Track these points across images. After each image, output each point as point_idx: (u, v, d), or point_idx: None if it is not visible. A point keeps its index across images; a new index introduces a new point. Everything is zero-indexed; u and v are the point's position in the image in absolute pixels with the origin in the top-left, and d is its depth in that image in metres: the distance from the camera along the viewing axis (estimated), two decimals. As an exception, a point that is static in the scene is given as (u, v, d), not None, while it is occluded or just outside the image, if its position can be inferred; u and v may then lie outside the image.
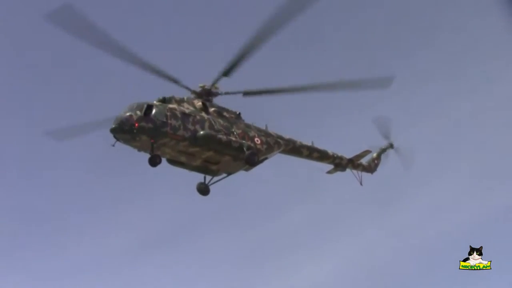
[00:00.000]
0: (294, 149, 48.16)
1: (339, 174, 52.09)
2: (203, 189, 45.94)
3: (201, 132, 42.53)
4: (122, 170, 63.67)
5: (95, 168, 67.75)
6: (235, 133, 44.14)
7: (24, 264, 68.35)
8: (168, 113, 41.85)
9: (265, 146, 45.46)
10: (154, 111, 41.45)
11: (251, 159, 43.78)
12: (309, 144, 48.92)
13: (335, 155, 50.68)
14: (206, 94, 45.00)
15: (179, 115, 42.33)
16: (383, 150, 54.58)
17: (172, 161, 44.30)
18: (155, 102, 42.41)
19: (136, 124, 40.59)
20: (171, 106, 42.53)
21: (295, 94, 45.43)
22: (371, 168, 53.32)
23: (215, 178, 45.90)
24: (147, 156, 42.43)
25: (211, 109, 44.70)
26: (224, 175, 45.90)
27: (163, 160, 43.79)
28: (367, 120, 55.01)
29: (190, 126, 42.39)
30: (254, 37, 40.74)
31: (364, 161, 52.74)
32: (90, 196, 74.15)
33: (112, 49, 40.53)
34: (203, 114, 43.99)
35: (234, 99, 45.60)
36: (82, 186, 72.01)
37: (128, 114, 40.90)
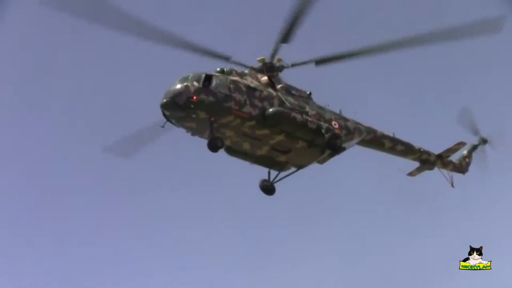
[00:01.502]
0: (375, 139, 39.70)
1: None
2: (268, 188, 37.72)
3: (272, 109, 34.48)
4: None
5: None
6: (309, 113, 36.16)
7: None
8: (232, 86, 33.94)
9: (344, 132, 37.15)
10: (214, 82, 33.58)
11: (334, 143, 35.53)
12: (391, 135, 40.79)
13: (421, 150, 41.94)
14: (269, 70, 36.88)
15: (244, 88, 34.42)
16: (474, 147, 45.75)
17: (231, 150, 36.24)
18: (213, 73, 34.62)
19: (195, 97, 32.72)
20: (233, 78, 34.66)
21: (376, 55, 36.22)
22: (462, 167, 44.48)
23: (282, 174, 37.87)
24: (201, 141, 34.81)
25: (279, 86, 36.78)
26: (293, 169, 37.82)
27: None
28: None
29: (257, 103, 34.38)
30: None
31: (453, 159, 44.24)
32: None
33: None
34: (270, 90, 35.98)
35: (303, 72, 37.71)
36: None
37: (183, 85, 33.02)
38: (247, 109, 34.01)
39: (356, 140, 38.19)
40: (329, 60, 36.55)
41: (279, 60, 36.90)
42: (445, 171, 43.67)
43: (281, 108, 34.94)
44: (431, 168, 43.16)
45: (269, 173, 37.73)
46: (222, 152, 36.03)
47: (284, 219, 56.10)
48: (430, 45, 35.97)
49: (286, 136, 35.13)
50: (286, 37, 34.98)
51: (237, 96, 33.86)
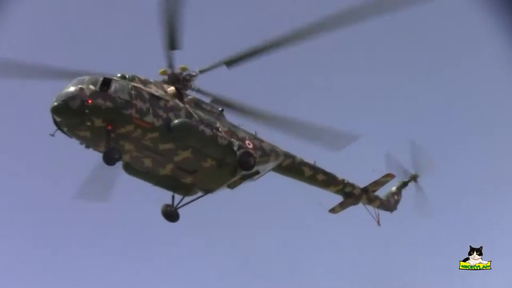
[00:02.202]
0: (294, 166, 35.65)
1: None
2: (171, 214, 33.38)
3: (178, 120, 30.39)
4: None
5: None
6: (220, 129, 32.19)
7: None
8: (133, 92, 29.77)
9: (259, 153, 33.08)
10: (113, 86, 29.43)
11: (246, 161, 31.44)
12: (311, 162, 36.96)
13: (345, 181, 37.89)
14: (175, 81, 32.72)
15: (146, 96, 30.24)
16: (404, 184, 41.98)
17: (130, 168, 31.96)
18: (113, 77, 30.31)
19: (90, 101, 28.51)
20: (135, 84, 30.46)
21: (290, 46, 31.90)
22: (390, 204, 40.52)
23: (187, 198, 33.56)
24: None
25: (187, 98, 32.72)
26: (200, 193, 33.67)
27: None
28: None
29: (161, 113, 30.27)
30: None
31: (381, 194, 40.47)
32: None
33: None
34: (177, 101, 31.89)
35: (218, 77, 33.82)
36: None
37: (77, 87, 28.73)
38: (150, 118, 29.82)
39: (272, 164, 34.21)
40: (239, 59, 32.32)
41: (184, 69, 32.81)
42: (371, 208, 39.89)
43: (188, 120, 30.92)
44: (355, 203, 39.32)
45: (173, 197, 33.45)
46: (120, 171, 32.17)
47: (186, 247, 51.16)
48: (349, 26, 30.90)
49: (193, 152, 30.99)
50: (172, 43, 31.04)
51: (138, 103, 29.69)
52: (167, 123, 30.23)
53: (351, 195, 38.54)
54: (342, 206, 39.37)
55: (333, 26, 30.63)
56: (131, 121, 29.38)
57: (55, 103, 28.56)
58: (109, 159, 29.20)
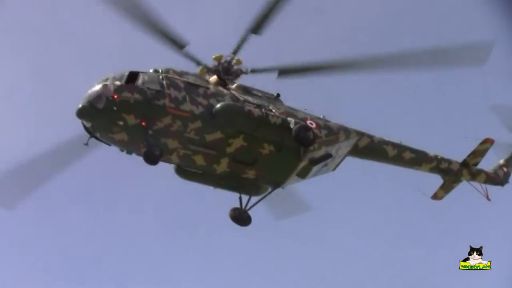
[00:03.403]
0: (374, 146, 31.39)
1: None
2: (241, 217, 29.87)
3: (220, 104, 27.33)
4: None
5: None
6: (273, 110, 28.74)
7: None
8: (165, 81, 27.03)
9: (324, 132, 29.36)
10: (141, 78, 26.78)
11: (304, 136, 27.71)
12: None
13: (439, 157, 33.22)
14: (224, 72, 30.00)
15: (181, 84, 27.41)
16: None
17: (183, 171, 29.00)
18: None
19: (116, 96, 25.95)
20: (167, 75, 27.71)
21: (352, 73, 30.21)
22: (499, 178, 35.29)
23: (255, 198, 29.97)
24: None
25: (233, 86, 29.67)
26: (269, 189, 30.10)
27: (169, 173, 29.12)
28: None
29: (201, 100, 27.31)
30: None
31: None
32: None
33: None
34: (221, 88, 28.96)
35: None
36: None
37: (101, 85, 26.23)
38: (187, 106, 26.86)
39: (345, 144, 30.25)
40: (295, 71, 29.80)
41: (239, 62, 30.00)
42: (476, 185, 34.92)
43: (231, 102, 27.82)
44: (457, 182, 34.45)
45: (240, 199, 29.94)
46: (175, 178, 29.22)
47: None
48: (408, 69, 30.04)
49: (245, 138, 27.67)
50: (258, 26, 28.45)
51: (172, 92, 26.86)
52: (209, 110, 27.21)
53: (448, 172, 33.69)
54: (444, 188, 34.59)
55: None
56: (166, 112, 26.51)
57: (80, 106, 26.07)
58: (150, 157, 26.31)
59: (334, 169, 31.24)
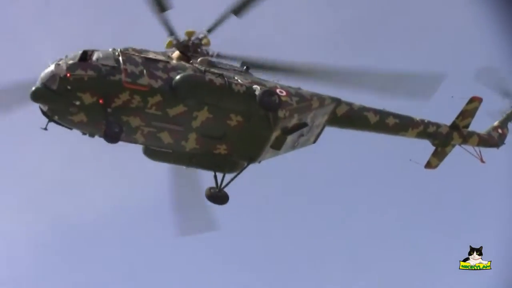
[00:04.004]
0: (353, 113, 30.12)
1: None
2: (217, 196, 28.75)
3: (179, 75, 26.12)
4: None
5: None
6: (238, 80, 27.45)
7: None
8: (121, 57, 25.93)
9: (295, 99, 27.92)
10: (96, 55, 25.77)
11: (267, 100, 26.45)
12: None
13: (425, 121, 31.76)
14: (191, 49, 28.69)
15: (139, 60, 26.24)
16: (509, 116, 35.12)
17: (150, 151, 27.86)
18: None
19: (68, 75, 24.90)
20: (124, 51, 26.54)
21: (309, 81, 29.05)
22: (493, 139, 33.60)
23: (230, 176, 28.81)
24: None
25: (198, 60, 28.29)
26: (244, 164, 28.80)
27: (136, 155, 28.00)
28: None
29: (160, 74, 26.13)
30: None
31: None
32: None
33: None
34: (182, 62, 27.74)
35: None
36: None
37: (54, 65, 25.21)
38: (145, 80, 25.70)
39: (321, 112, 28.81)
40: (260, 66, 28.85)
41: (190, 33, 28.67)
42: (469, 148, 33.25)
43: (191, 73, 26.65)
44: (448, 147, 32.81)
45: (215, 177, 28.77)
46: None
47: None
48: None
49: (210, 110, 26.45)
50: (240, 8, 27.57)
51: (128, 67, 25.73)
52: (169, 83, 26.03)
53: (438, 136, 32.13)
54: (437, 155, 32.99)
55: None
56: (123, 87, 25.40)
57: (33, 89, 25.03)
58: (108, 134, 25.30)
59: (314, 141, 29.93)
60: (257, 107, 26.57)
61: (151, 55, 27.07)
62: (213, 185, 28.65)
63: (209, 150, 27.56)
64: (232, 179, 28.64)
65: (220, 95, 26.28)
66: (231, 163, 28.27)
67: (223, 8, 28.03)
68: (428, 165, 33.30)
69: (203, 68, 27.16)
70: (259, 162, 28.71)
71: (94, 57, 25.66)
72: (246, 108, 26.70)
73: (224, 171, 28.49)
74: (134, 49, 27.10)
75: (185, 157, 27.81)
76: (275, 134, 27.62)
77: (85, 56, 25.65)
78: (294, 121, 27.86)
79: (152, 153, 27.76)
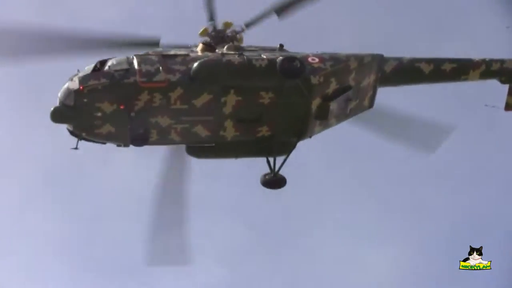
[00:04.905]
0: (404, 67, 28.02)
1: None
2: (273, 181, 27.36)
3: (196, 63, 25.28)
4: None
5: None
6: (262, 56, 26.12)
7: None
8: (135, 60, 25.36)
9: (329, 63, 26.33)
10: (109, 63, 25.34)
11: (287, 67, 25.09)
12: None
13: (486, 59, 28.91)
14: (223, 41, 27.71)
15: (155, 58, 25.56)
16: None
17: (193, 149, 26.92)
18: None
19: (82, 87, 24.61)
20: (141, 54, 25.93)
21: None
22: None
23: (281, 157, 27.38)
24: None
25: (225, 47, 27.29)
26: (293, 141, 27.27)
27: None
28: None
29: (178, 67, 25.32)
30: None
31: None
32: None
33: None
34: (206, 52, 26.80)
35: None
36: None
37: (67, 82, 25.03)
38: (161, 76, 24.97)
39: (364, 71, 26.96)
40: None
41: (228, 24, 27.85)
42: None
43: (206, 58, 25.76)
44: None
45: (268, 163, 27.46)
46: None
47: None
48: None
49: (237, 93, 25.35)
50: (282, 8, 26.77)
51: (143, 67, 25.12)
52: (187, 74, 25.24)
53: (506, 71, 29.41)
54: None
55: None
56: (140, 87, 24.80)
57: (51, 110, 24.91)
58: (134, 138, 24.94)
59: (371, 105, 28.19)
60: (284, 79, 25.35)
61: (172, 52, 26.47)
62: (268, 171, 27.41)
63: (251, 134, 26.38)
64: (284, 160, 27.22)
65: (240, 74, 25.16)
66: (279, 144, 26.84)
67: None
68: (508, 107, 30.48)
69: (223, 52, 26.31)
70: (310, 137, 27.27)
71: (107, 66, 25.26)
72: (273, 82, 25.42)
73: (275, 154, 27.13)
74: (155, 52, 26.60)
75: (230, 148, 26.69)
76: (315, 103, 26.16)
77: (99, 66, 25.35)
78: (333, 85, 26.33)
79: (196, 150, 26.82)
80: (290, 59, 25.32)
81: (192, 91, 25.11)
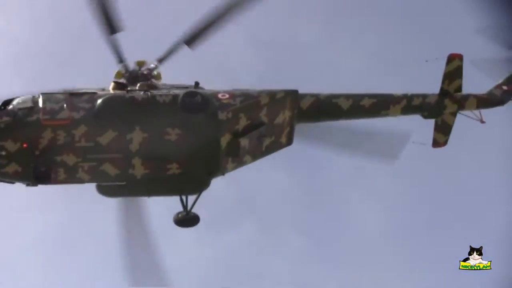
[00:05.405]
0: (321, 103, 27.86)
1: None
2: (186, 219, 26.95)
3: (99, 100, 25.21)
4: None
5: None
6: (167, 92, 25.97)
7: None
8: (40, 98, 25.20)
9: (239, 99, 26.13)
10: (14, 102, 25.19)
11: (188, 101, 25.16)
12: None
13: (408, 94, 28.67)
14: (138, 80, 27.13)
15: (61, 96, 25.40)
16: None
17: (102, 188, 26.40)
18: None
19: None
20: (47, 92, 25.73)
21: None
22: (495, 97, 29.48)
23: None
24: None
25: (136, 86, 26.89)
26: (206, 179, 26.66)
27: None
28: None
29: (83, 105, 25.17)
30: None
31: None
32: None
33: None
34: (115, 91, 26.59)
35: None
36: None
37: None
38: (64, 114, 24.83)
39: (277, 108, 26.66)
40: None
41: (141, 63, 27.33)
42: (469, 113, 29.78)
43: (111, 93, 25.63)
44: (446, 117, 29.51)
45: (181, 201, 27.07)
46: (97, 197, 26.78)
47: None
48: None
49: (142, 129, 25.11)
50: (192, 38, 26.11)
51: (47, 105, 25.01)
52: (91, 111, 25.11)
53: (426, 107, 29.07)
54: (438, 130, 29.77)
55: None
56: (42, 125, 24.64)
57: None
58: (36, 176, 24.60)
59: (289, 142, 27.78)
60: (188, 115, 25.13)
61: (80, 91, 26.26)
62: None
63: (161, 172, 26.00)
64: (196, 198, 26.85)
65: (143, 110, 25.02)
66: (191, 181, 26.52)
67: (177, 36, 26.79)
68: (436, 143, 30.04)
69: (127, 89, 26.13)
70: (223, 174, 26.90)
71: (12, 104, 25.10)
72: (177, 118, 25.20)
73: (187, 192, 26.82)
74: (64, 90, 26.40)
75: (141, 186, 26.21)
76: (225, 139, 25.85)
77: (4, 104, 25.18)
78: (243, 121, 26.05)
79: (106, 189, 26.40)
80: (191, 94, 25.20)
81: (96, 129, 24.88)
